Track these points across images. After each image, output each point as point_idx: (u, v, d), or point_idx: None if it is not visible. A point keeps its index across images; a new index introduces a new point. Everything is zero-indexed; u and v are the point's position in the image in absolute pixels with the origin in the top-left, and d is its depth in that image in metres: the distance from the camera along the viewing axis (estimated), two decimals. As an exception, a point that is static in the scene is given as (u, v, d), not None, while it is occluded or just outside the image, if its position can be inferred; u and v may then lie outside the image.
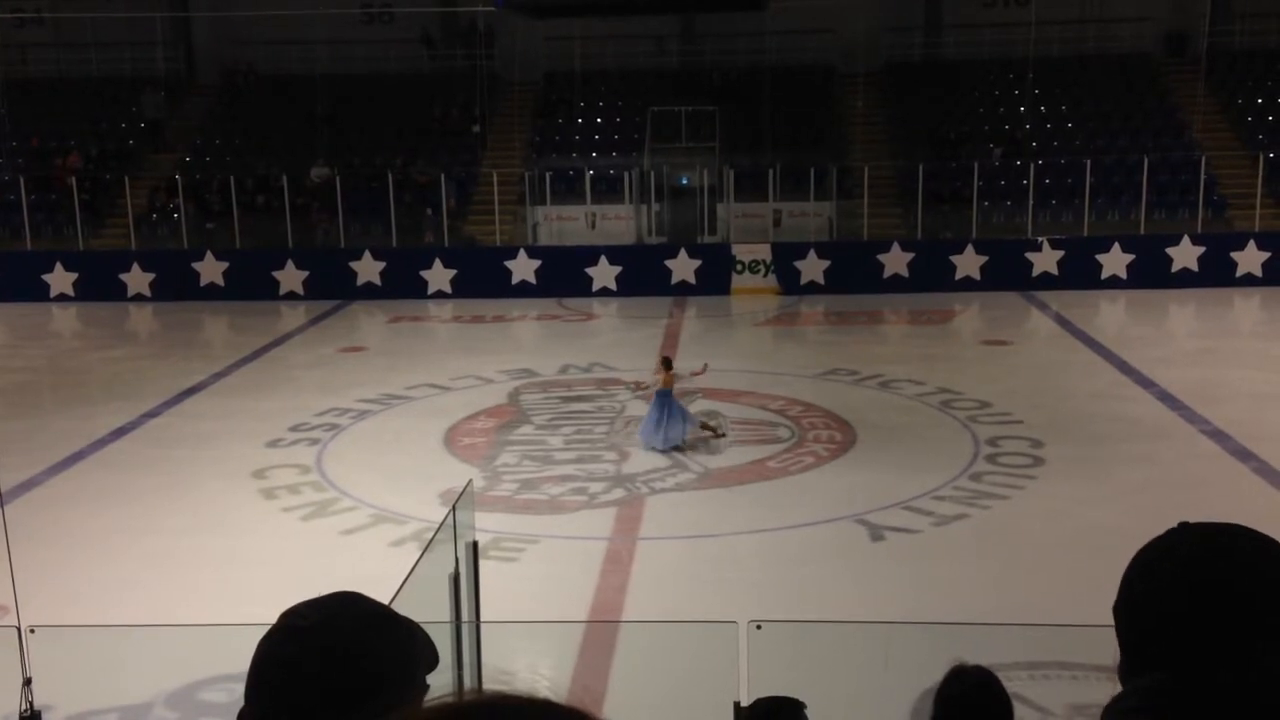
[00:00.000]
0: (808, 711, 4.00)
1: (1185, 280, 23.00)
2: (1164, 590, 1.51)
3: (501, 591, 7.63)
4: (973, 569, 9.80)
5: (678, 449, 13.01)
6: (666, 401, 13.06)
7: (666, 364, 13.39)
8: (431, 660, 1.64)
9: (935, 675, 3.73)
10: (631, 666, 7.55)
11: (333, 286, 23.62)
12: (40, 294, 23.90)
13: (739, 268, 23.66)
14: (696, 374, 14.10)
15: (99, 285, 23.89)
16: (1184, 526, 1.60)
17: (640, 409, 14.27)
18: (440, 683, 1.64)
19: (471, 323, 21.66)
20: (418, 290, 23.67)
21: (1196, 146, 25.68)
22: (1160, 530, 1.61)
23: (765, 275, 23.60)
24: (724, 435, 13.44)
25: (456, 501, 6.72)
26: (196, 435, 14.17)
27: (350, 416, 14.79)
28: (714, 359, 17.51)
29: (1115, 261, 23.22)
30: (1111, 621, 1.57)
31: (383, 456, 13.23)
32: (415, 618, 1.67)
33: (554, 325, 21.49)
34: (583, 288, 23.55)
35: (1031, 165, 24.54)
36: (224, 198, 25.15)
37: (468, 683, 5.16)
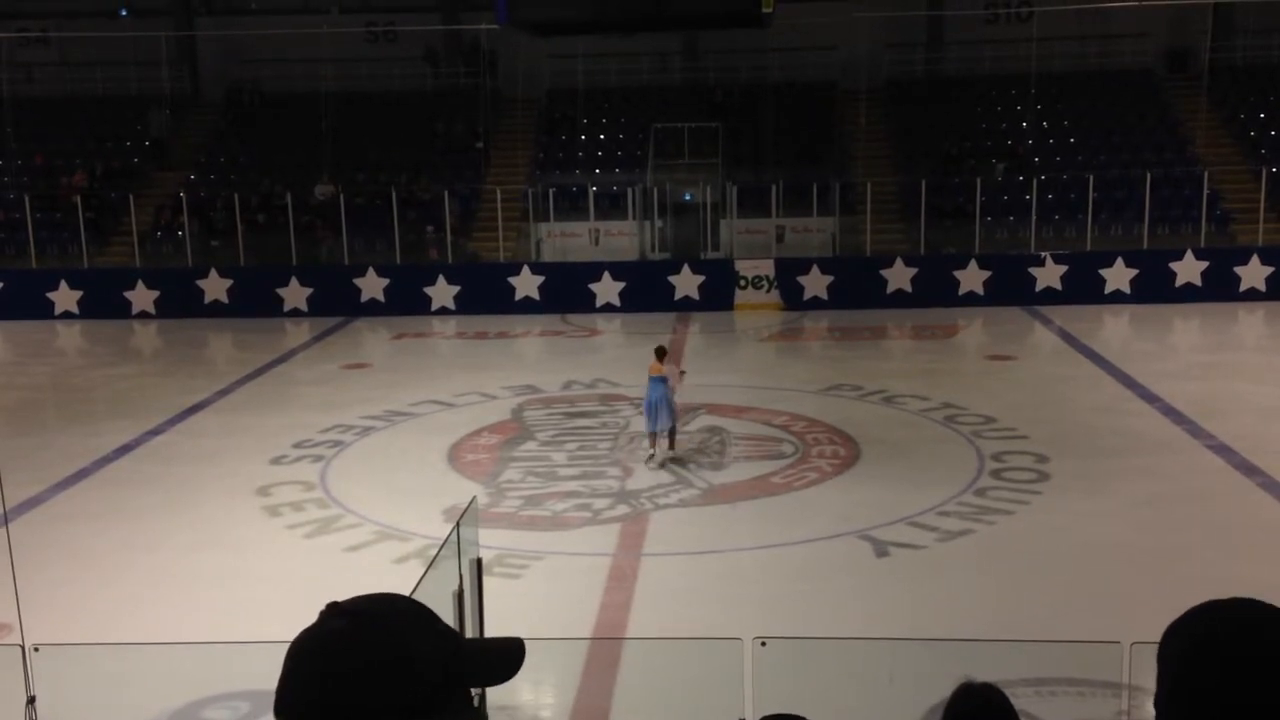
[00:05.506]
0: (813, 729, 3.99)
1: (1189, 295, 23.00)
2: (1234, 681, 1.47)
3: (505, 608, 7.61)
4: (978, 585, 9.77)
5: (677, 461, 13.06)
6: (661, 389, 13.03)
7: (660, 353, 13.36)
8: (491, 674, 1.56)
9: (941, 692, 3.71)
10: (635, 684, 7.53)
11: (337, 303, 23.66)
12: (45, 312, 23.95)
13: (742, 283, 23.67)
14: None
15: (103, 303, 23.94)
16: (1213, 605, 1.55)
17: (642, 424, 14.27)
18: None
19: (475, 339, 21.67)
20: (422, 307, 23.70)
21: (1199, 161, 25.69)
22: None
23: (768, 291, 23.61)
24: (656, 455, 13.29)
25: (460, 518, 6.71)
26: (200, 452, 14.18)
27: (354, 433, 14.79)
28: (717, 374, 17.47)
29: (1119, 276, 23.22)
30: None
31: (387, 473, 13.22)
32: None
33: (558, 341, 21.49)
34: (586, 303, 23.57)
35: (1034, 180, 24.56)
36: (228, 215, 25.22)
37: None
